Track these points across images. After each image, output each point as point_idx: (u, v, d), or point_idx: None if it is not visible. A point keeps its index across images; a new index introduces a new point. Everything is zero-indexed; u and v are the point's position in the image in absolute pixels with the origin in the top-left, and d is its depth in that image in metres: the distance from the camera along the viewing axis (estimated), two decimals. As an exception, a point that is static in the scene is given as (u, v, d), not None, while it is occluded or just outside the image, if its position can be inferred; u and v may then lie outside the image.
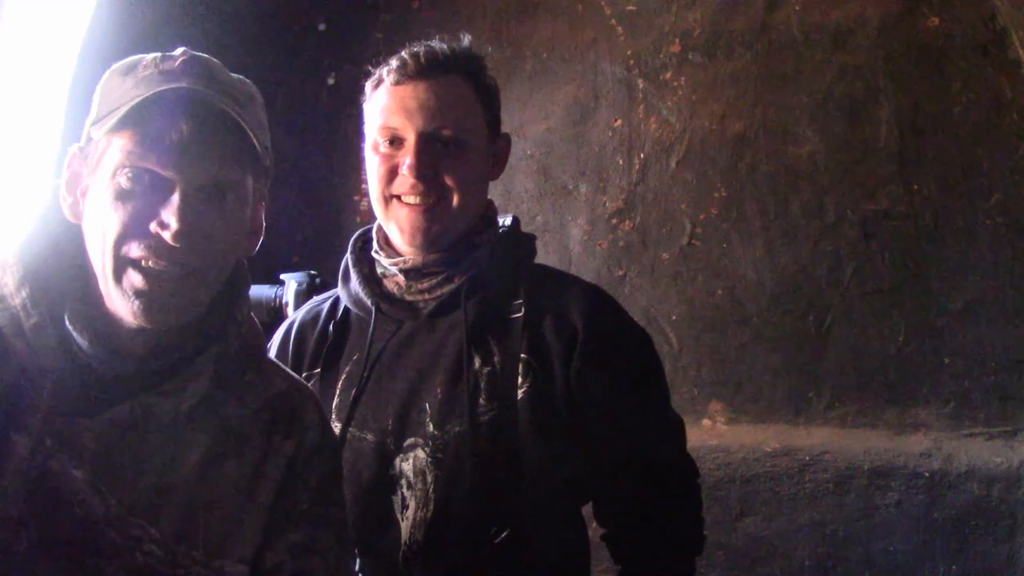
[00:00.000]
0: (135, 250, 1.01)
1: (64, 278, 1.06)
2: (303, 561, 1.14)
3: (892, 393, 2.67)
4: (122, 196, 1.01)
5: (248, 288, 1.20)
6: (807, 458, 2.64)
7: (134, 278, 1.01)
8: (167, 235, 1.00)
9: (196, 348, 1.09)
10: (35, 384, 1.01)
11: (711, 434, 2.75)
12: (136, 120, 1.00)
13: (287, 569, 1.13)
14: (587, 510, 1.52)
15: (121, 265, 1.01)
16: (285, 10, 3.12)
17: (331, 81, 3.21)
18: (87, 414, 1.02)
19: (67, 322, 1.03)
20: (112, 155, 1.02)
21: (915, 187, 2.68)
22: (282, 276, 2.39)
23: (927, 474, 2.54)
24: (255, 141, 1.06)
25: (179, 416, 1.06)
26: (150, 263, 1.01)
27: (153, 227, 1.00)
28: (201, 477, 1.08)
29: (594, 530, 1.51)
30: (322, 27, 3.21)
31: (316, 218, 3.14)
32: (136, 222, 1.00)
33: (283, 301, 2.35)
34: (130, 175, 1.00)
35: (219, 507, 1.08)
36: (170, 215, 1.00)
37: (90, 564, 1.00)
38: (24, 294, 1.03)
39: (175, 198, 1.01)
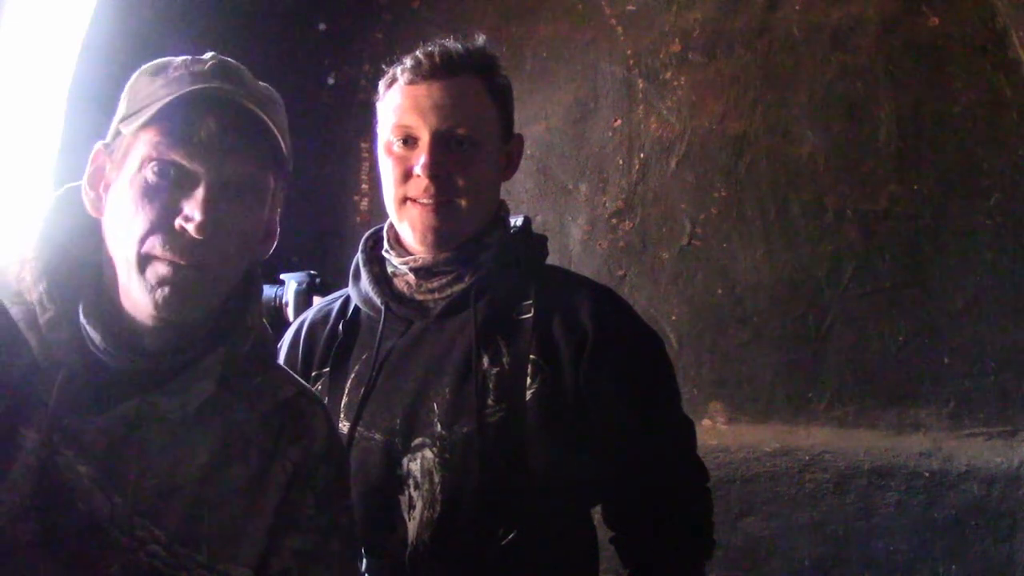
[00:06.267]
0: (159, 247, 1.02)
1: (80, 273, 1.07)
2: (309, 568, 1.13)
3: (892, 393, 2.66)
4: (148, 191, 1.02)
5: (261, 292, 1.21)
6: (807, 458, 2.64)
7: (159, 269, 1.02)
8: (191, 227, 1.01)
9: (206, 348, 1.09)
10: (46, 379, 1.01)
11: (711, 434, 2.74)
12: (165, 116, 1.02)
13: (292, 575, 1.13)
14: (596, 512, 1.52)
15: (145, 260, 1.02)
16: (285, 10, 3.11)
17: (331, 81, 3.20)
18: (95, 410, 1.02)
19: (81, 316, 1.03)
20: (139, 149, 1.03)
21: (915, 187, 2.67)
22: (282, 276, 2.39)
23: (927, 474, 2.55)
24: (280, 142, 1.08)
25: (186, 416, 1.06)
26: (174, 260, 1.02)
27: (178, 223, 1.02)
28: (207, 479, 1.08)
29: (598, 526, 1.51)
30: (322, 27, 3.20)
31: (316, 218, 3.13)
32: (161, 218, 1.02)
33: (283, 301, 2.35)
34: (156, 168, 1.02)
35: (224, 510, 1.08)
36: (194, 208, 1.02)
37: (93, 562, 1.00)
38: (42, 288, 1.04)
39: (200, 191, 1.02)
